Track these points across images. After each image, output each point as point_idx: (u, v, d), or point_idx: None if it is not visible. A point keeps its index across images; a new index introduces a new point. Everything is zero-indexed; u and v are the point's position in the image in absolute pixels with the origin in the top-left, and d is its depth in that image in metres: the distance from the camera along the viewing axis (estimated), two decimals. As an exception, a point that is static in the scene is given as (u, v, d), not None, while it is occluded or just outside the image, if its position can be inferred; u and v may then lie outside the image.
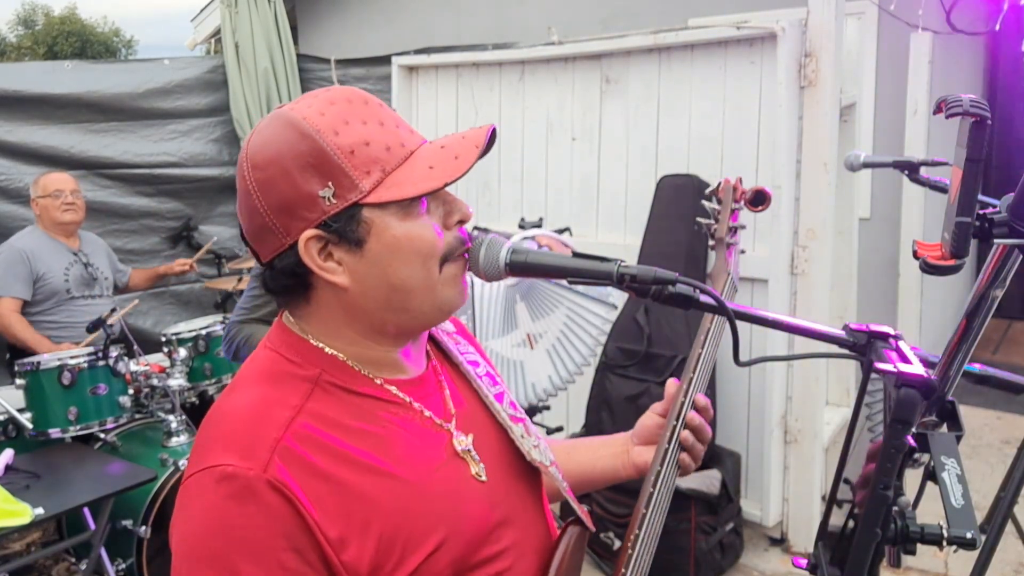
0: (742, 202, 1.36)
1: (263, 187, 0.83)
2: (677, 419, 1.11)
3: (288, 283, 0.87)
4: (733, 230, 1.36)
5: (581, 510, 1.04)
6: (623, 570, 1.03)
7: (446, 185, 0.84)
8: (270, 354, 0.90)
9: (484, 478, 0.93)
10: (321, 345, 0.89)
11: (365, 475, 0.82)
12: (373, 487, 0.82)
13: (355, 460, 0.82)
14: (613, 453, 1.18)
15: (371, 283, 0.85)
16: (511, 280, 2.62)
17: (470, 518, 0.88)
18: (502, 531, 0.93)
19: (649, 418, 1.17)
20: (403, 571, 0.81)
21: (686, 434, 1.10)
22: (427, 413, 0.92)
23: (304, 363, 0.87)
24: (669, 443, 1.09)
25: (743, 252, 1.39)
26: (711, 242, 1.38)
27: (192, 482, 0.79)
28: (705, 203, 1.40)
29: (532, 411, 2.86)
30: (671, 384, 1.16)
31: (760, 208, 1.33)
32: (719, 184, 1.39)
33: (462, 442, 0.93)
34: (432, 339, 1.04)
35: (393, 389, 0.90)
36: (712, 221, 1.38)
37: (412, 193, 0.83)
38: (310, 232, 0.83)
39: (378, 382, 0.89)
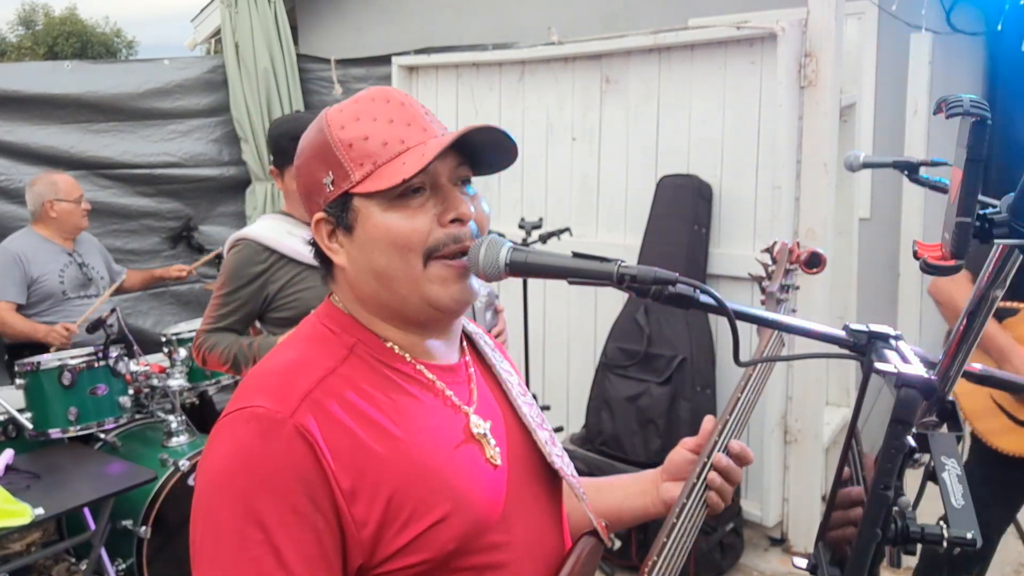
0: (797, 264, 1.39)
1: (298, 174, 0.97)
2: (708, 456, 1.10)
3: (319, 257, 0.98)
4: (786, 288, 1.39)
5: (599, 524, 1.04)
6: None
7: (405, 182, 0.87)
8: (314, 322, 0.97)
9: (498, 462, 0.95)
10: (366, 322, 0.95)
11: (383, 439, 0.86)
12: (389, 451, 0.86)
13: (376, 423, 0.87)
14: (643, 490, 1.17)
15: (360, 266, 0.93)
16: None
17: (479, 498, 0.90)
18: (512, 522, 0.93)
19: (679, 454, 1.16)
20: (407, 535, 0.84)
21: (713, 475, 1.09)
22: (449, 393, 0.95)
23: (343, 332, 0.94)
24: (698, 479, 1.08)
25: (794, 311, 1.39)
26: (762, 297, 1.40)
27: (225, 420, 0.85)
28: (759, 259, 1.43)
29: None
30: (708, 421, 1.15)
31: (815, 271, 1.37)
32: (775, 244, 1.44)
33: (479, 425, 0.95)
34: (470, 341, 1.07)
35: (423, 369, 0.95)
36: (765, 276, 1.41)
37: (382, 186, 0.88)
38: (319, 214, 0.94)
39: (409, 359, 0.94)
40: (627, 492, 1.18)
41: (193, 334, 3.25)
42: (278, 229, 2.21)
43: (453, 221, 0.91)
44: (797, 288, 1.41)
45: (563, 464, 1.03)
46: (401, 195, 0.89)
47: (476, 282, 0.95)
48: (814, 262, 1.36)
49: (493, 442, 0.95)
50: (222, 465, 0.82)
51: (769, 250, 1.43)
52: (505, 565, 0.92)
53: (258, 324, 2.30)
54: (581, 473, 1.25)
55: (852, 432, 1.00)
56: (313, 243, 0.97)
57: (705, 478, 1.09)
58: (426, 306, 0.92)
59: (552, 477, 1.04)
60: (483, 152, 0.95)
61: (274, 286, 2.19)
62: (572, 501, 1.11)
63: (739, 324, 0.91)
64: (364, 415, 0.87)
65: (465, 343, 1.05)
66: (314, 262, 0.99)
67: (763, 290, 1.40)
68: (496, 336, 2.42)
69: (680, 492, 1.09)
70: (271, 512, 0.79)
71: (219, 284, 2.24)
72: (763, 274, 1.41)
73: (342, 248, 0.94)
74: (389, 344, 0.94)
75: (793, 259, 1.40)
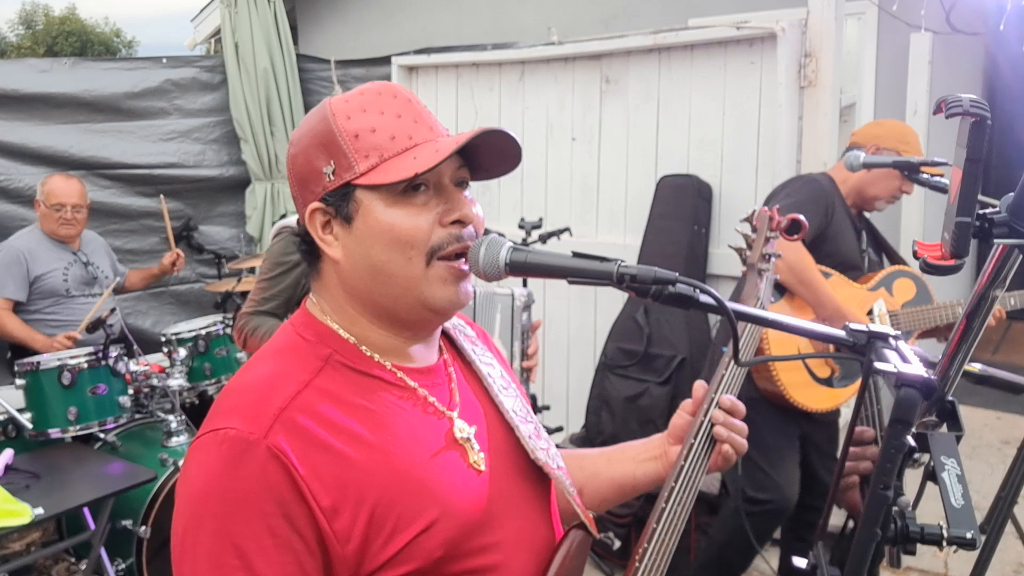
0: (777, 231, 1.38)
1: (292, 161, 0.94)
2: (704, 415, 1.11)
3: (305, 249, 0.95)
4: (767, 257, 1.38)
5: (587, 516, 1.04)
6: (636, 564, 1.02)
7: (417, 176, 0.86)
8: (289, 332, 0.95)
9: (482, 467, 0.94)
10: (336, 327, 0.93)
11: (363, 450, 0.85)
12: (370, 462, 0.85)
13: (354, 434, 0.85)
14: (653, 456, 1.17)
15: (356, 260, 0.91)
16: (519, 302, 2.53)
17: (463, 504, 0.89)
18: (499, 523, 0.93)
19: (679, 417, 1.17)
20: (393, 546, 0.83)
21: (719, 429, 1.10)
22: (431, 399, 0.94)
23: (318, 342, 0.92)
24: (695, 438, 1.09)
25: (777, 279, 1.41)
26: (743, 268, 1.40)
27: (198, 443, 0.84)
28: (738, 230, 1.42)
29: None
30: (699, 387, 1.16)
31: (796, 237, 1.36)
32: (755, 212, 1.42)
33: (462, 430, 0.94)
34: (448, 337, 1.06)
35: (400, 374, 0.93)
36: (745, 247, 1.40)
37: (387, 180, 0.87)
38: (314, 204, 0.91)
39: (387, 366, 0.93)
40: (639, 459, 1.18)
41: (193, 334, 3.28)
42: None
43: (455, 222, 0.91)
44: (778, 256, 1.39)
45: (548, 458, 1.02)
46: (404, 191, 0.89)
47: (472, 287, 0.95)
48: (795, 228, 1.35)
49: (477, 447, 0.95)
50: (197, 490, 0.81)
51: (749, 219, 1.42)
52: (496, 567, 0.92)
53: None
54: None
55: (852, 432, 1.00)
56: (301, 233, 0.95)
57: (705, 433, 1.09)
58: (419, 306, 0.92)
59: (540, 472, 1.03)
60: (482, 157, 0.95)
61: None
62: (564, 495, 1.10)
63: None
64: (342, 427, 0.85)
65: (442, 341, 1.04)
66: None
67: (744, 261, 1.39)
68: (530, 356, 2.33)
69: (678, 456, 1.09)
70: (248, 537, 0.78)
71: (263, 270, 2.34)
72: (743, 245, 1.40)
73: (337, 240, 0.91)
74: (366, 350, 0.93)
75: (774, 226, 1.38)
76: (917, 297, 2.54)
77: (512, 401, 1.04)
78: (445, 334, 1.06)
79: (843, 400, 2.51)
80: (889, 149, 2.47)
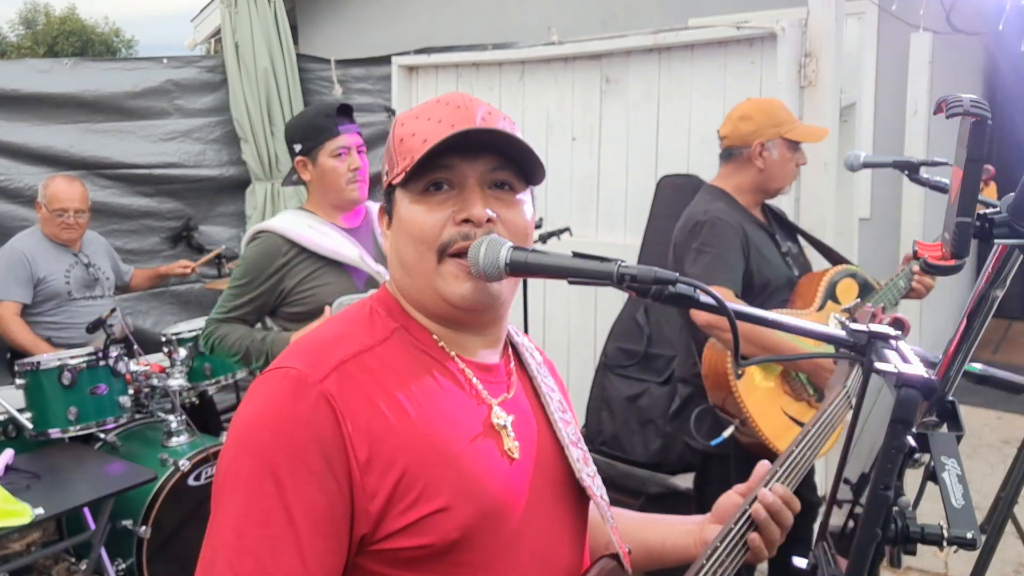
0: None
1: None
2: (750, 504, 1.05)
3: None
4: None
5: (622, 548, 1.03)
6: None
7: (404, 171, 0.93)
8: (367, 304, 1.01)
9: (516, 456, 0.95)
10: (409, 310, 0.99)
11: (405, 418, 0.88)
12: (408, 430, 0.88)
13: (400, 403, 0.89)
14: (687, 531, 1.14)
15: (392, 253, 0.99)
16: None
17: (490, 490, 0.90)
18: (524, 527, 0.93)
19: (727, 498, 1.13)
20: (413, 514, 0.85)
21: (757, 507, 1.04)
22: (476, 382, 0.97)
23: (389, 317, 0.98)
24: (735, 524, 1.03)
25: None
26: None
27: (262, 378, 0.91)
28: (837, 317, 1.40)
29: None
30: (761, 465, 1.11)
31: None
32: (856, 305, 1.41)
33: (500, 417, 0.96)
34: (515, 351, 1.08)
35: (459, 362, 0.97)
36: None
37: (399, 178, 0.94)
38: (381, 204, 1.02)
39: (448, 351, 0.97)
40: (672, 530, 1.16)
41: (193, 334, 3.27)
42: (299, 223, 2.18)
43: (465, 221, 0.92)
44: None
45: (593, 485, 1.02)
46: (426, 190, 0.93)
47: (498, 288, 0.94)
48: (896, 328, 1.37)
49: (512, 435, 0.95)
50: (250, 419, 0.87)
51: (849, 310, 1.42)
52: (510, 568, 0.91)
53: (268, 320, 2.28)
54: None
55: (852, 432, 1.00)
56: None
57: (742, 525, 1.04)
58: (438, 299, 0.94)
59: (579, 496, 1.02)
60: (525, 160, 0.96)
61: (291, 280, 2.15)
62: (603, 529, 1.09)
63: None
64: (390, 393, 0.89)
65: (511, 352, 1.06)
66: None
67: (836, 349, 1.39)
68: None
69: (716, 536, 1.04)
70: (287, 469, 0.82)
71: (237, 274, 2.21)
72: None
73: (390, 237, 1.00)
74: (433, 336, 0.97)
75: (875, 324, 1.39)
76: (863, 291, 2.45)
77: (566, 425, 1.05)
78: (514, 348, 1.08)
79: (829, 445, 2.41)
80: (770, 139, 2.37)
